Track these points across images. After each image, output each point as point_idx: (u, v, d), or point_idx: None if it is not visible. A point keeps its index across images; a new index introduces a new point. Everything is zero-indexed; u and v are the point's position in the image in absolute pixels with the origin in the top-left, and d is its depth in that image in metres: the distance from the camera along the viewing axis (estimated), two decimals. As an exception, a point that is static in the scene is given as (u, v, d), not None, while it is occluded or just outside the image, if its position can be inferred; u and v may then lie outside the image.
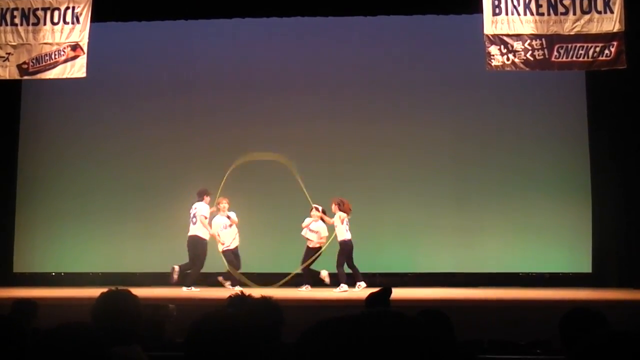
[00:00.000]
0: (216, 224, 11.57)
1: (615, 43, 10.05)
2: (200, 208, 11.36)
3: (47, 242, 13.13)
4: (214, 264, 11.75)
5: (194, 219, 11.35)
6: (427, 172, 12.82)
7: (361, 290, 10.49)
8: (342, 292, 10.67)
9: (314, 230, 11.41)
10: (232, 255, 11.47)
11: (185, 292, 10.90)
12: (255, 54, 13.19)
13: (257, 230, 12.16)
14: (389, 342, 1.34)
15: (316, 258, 11.30)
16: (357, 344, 1.33)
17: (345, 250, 11.03)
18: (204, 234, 11.35)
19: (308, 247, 11.42)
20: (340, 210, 11.15)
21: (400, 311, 1.40)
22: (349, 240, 11.06)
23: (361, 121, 12.91)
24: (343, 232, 11.07)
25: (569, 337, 3.53)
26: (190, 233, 11.35)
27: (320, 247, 11.38)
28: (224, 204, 11.55)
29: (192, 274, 11.30)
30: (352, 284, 10.92)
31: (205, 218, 11.34)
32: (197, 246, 11.32)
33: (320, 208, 11.44)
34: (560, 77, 11.93)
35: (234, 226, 11.56)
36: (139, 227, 12.87)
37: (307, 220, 11.47)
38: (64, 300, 9.32)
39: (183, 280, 11.24)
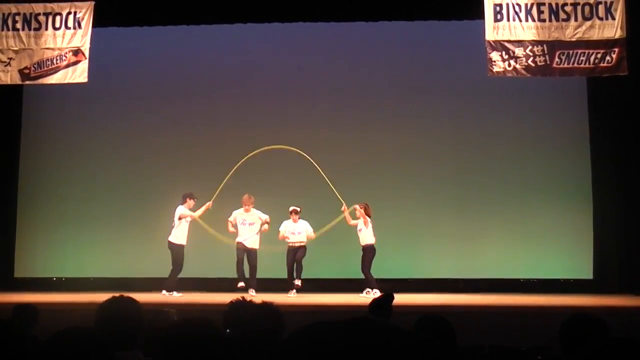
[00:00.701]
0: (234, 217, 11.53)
1: (616, 50, 10.06)
2: (177, 210, 11.41)
3: (48, 247, 13.13)
4: (212, 268, 11.75)
5: (172, 224, 11.41)
6: (428, 178, 12.81)
7: (365, 297, 10.38)
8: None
9: (299, 231, 11.31)
10: (239, 250, 11.36)
11: (165, 296, 10.86)
12: (258, 59, 13.19)
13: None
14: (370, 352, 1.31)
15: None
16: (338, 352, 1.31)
17: (372, 254, 11.04)
18: (177, 239, 11.34)
19: (295, 246, 11.28)
20: (366, 214, 11.13)
21: (396, 324, 1.36)
22: (373, 245, 11.07)
23: (362, 127, 12.91)
24: (368, 237, 11.07)
25: (570, 343, 3.53)
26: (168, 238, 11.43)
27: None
28: (247, 205, 11.45)
29: (169, 279, 11.23)
30: (362, 289, 10.91)
31: (180, 219, 11.35)
32: (172, 251, 11.35)
33: (299, 209, 11.36)
34: (561, 84, 11.94)
35: (253, 225, 11.44)
36: (140, 232, 12.88)
37: (286, 226, 11.36)
38: (65, 305, 9.32)
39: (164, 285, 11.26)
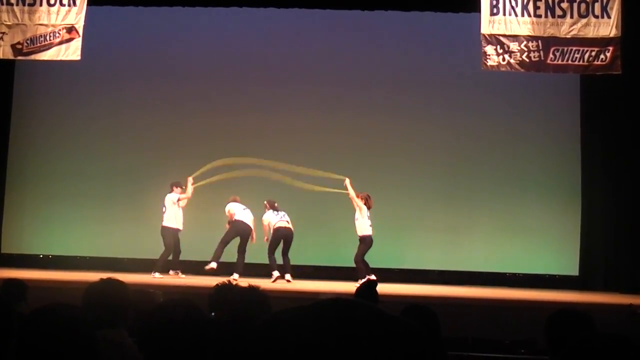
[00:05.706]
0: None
1: (611, 48, 10.06)
2: (171, 197, 11.41)
3: (36, 223, 13.10)
4: (198, 251, 11.73)
5: (163, 208, 11.39)
6: (418, 169, 12.82)
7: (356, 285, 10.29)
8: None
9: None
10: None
11: (156, 278, 10.77)
12: (251, 44, 13.16)
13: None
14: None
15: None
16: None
17: (366, 245, 10.99)
18: (171, 223, 11.32)
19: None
20: (365, 204, 11.07)
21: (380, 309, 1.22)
22: (370, 236, 11.02)
23: (353, 116, 12.90)
24: (364, 227, 11.01)
25: (555, 338, 3.54)
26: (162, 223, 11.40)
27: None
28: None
29: (159, 261, 11.16)
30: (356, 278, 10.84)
31: (173, 203, 11.35)
32: (165, 236, 11.30)
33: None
34: (555, 80, 11.96)
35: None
36: (128, 212, 12.85)
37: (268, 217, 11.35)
38: (51, 283, 9.31)
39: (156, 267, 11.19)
